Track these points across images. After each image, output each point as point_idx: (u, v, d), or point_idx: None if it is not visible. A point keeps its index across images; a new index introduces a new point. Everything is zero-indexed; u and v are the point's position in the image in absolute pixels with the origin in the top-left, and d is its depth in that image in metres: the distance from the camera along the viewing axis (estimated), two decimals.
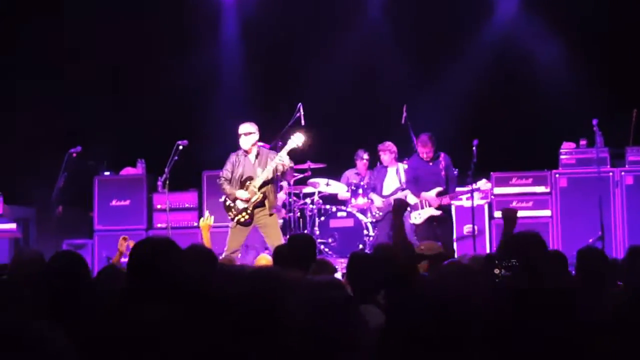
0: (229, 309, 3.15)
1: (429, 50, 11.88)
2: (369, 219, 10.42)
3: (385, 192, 10.19)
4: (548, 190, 10.38)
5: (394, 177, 10.20)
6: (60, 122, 11.05)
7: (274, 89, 11.85)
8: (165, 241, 3.62)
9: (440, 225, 9.16)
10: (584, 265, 4.82)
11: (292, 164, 8.70)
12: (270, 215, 8.73)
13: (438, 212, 9.17)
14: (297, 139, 8.56)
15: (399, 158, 10.39)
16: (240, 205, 8.68)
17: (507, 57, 11.69)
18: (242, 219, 8.70)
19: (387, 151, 10.15)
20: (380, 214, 10.24)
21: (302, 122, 9.27)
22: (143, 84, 12.00)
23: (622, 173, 9.78)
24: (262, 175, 8.61)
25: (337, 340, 2.89)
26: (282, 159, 8.55)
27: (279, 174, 8.72)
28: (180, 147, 9.13)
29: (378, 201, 10.19)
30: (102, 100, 11.71)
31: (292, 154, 8.79)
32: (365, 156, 10.87)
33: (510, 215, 5.45)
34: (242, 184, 8.70)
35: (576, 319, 2.73)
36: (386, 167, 10.24)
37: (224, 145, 9.05)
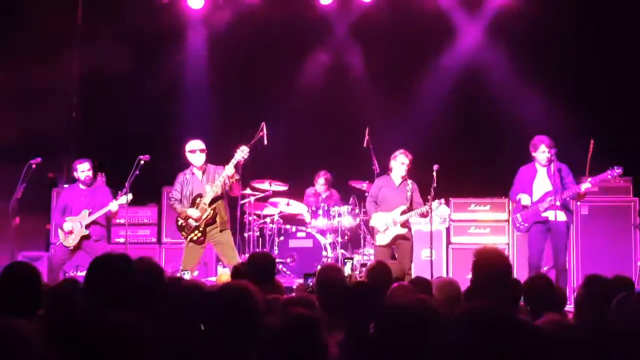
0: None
1: (393, 74, 12.00)
2: (328, 240, 10.43)
3: (535, 195, 8.72)
4: (506, 217, 10.51)
5: (545, 178, 8.75)
6: (21, 132, 10.91)
7: (238, 106, 11.86)
8: (123, 258, 3.63)
9: (398, 247, 9.17)
10: (532, 293, 4.89)
11: (238, 177, 8.69)
12: (221, 231, 8.73)
13: (404, 230, 9.11)
14: (242, 152, 8.54)
15: (361, 179, 10.44)
16: (192, 223, 8.69)
17: (469, 84, 11.84)
18: (195, 237, 8.71)
19: (550, 147, 8.64)
20: (526, 224, 8.72)
21: (265, 141, 9.25)
22: (105, 97, 11.93)
23: (578, 203, 9.92)
24: (211, 191, 8.64)
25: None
26: (227, 173, 8.56)
27: (227, 188, 8.73)
28: (142, 162, 9.07)
29: (527, 200, 8.66)
30: (64, 111, 11.60)
31: (252, 173, 8.77)
32: (324, 178, 10.92)
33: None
34: (193, 202, 8.72)
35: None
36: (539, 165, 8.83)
37: (185, 161, 9.02)
